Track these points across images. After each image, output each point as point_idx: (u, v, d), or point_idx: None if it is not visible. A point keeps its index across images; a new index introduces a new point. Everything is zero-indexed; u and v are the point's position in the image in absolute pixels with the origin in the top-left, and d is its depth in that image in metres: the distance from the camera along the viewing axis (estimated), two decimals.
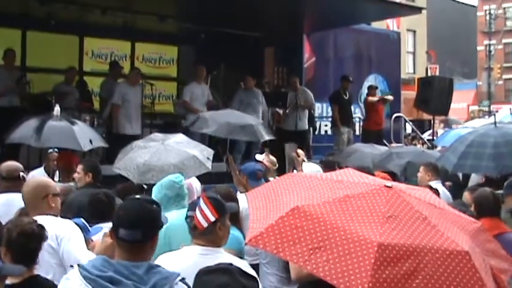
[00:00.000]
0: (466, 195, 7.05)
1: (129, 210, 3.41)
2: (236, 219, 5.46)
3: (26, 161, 10.22)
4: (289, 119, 15.08)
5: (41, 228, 4.18)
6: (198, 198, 4.32)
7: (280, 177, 3.34)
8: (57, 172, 9.57)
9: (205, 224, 4.03)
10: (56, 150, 9.41)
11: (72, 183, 7.93)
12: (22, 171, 6.81)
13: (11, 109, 12.00)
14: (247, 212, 5.51)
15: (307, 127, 15.67)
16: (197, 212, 4.13)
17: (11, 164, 7.04)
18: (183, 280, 3.25)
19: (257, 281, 2.52)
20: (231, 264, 2.59)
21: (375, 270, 2.57)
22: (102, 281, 3.12)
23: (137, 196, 3.73)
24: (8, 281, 4.00)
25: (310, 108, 15.81)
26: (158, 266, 3.34)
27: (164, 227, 5.62)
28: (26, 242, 4.05)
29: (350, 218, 2.78)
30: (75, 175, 7.60)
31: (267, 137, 11.62)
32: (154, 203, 3.53)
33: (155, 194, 5.97)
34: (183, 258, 4.06)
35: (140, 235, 3.30)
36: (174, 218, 5.66)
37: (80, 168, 7.57)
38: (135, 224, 3.31)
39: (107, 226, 5.63)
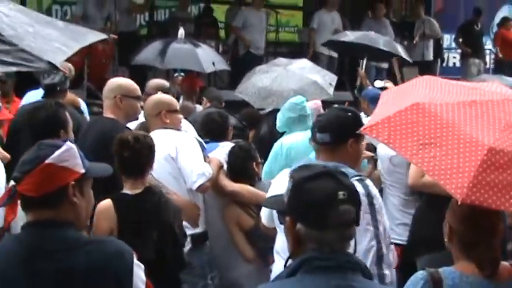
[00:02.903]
0: None
1: (323, 116, 3.82)
2: None
3: None
4: (416, 50, 14.63)
5: (143, 137, 4.22)
6: None
7: (417, 78, 3.27)
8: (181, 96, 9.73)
9: None
10: (181, 74, 9.52)
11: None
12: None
13: (136, 33, 12.36)
14: None
15: (432, 58, 15.20)
16: None
17: (158, 82, 7.12)
18: (360, 179, 3.48)
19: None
20: (325, 166, 2.41)
21: (479, 172, 2.51)
22: None
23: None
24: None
25: (436, 37, 15.27)
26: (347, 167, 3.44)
27: (286, 147, 5.76)
28: (121, 150, 4.14)
29: (469, 121, 2.70)
30: None
31: (403, 54, 11.47)
32: (349, 111, 3.78)
33: (280, 118, 6.13)
34: None
35: (328, 138, 3.60)
36: (297, 139, 5.72)
37: None
38: (325, 128, 3.66)
39: (223, 145, 5.72)
